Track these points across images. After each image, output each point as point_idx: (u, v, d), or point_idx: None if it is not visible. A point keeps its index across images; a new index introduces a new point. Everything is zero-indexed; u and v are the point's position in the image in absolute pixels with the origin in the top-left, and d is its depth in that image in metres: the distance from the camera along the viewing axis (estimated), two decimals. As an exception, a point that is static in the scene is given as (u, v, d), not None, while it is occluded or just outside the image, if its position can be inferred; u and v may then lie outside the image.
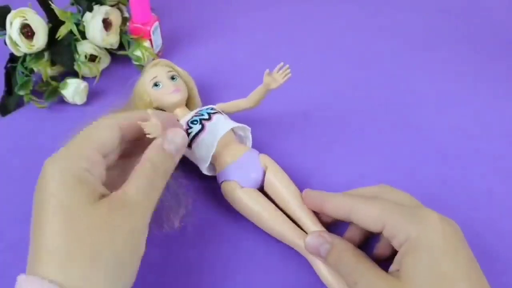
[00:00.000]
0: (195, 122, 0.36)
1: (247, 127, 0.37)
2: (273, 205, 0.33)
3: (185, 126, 0.36)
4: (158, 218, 0.32)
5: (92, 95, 0.48)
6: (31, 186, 0.38)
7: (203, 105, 0.41)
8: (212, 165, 0.36)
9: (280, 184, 0.34)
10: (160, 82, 0.39)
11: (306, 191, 0.32)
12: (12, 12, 0.44)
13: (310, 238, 0.28)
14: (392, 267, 0.26)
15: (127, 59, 0.52)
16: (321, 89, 0.50)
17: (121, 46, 0.52)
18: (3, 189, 0.38)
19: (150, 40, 0.51)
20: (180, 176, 0.35)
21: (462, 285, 0.22)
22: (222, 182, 0.35)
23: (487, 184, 0.39)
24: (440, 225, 0.24)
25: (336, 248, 0.27)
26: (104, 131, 0.26)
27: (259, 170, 0.34)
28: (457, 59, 0.55)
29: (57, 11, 0.46)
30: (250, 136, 0.38)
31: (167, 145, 0.27)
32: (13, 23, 0.44)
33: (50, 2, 0.46)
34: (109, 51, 0.52)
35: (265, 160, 0.35)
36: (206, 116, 0.36)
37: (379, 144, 0.43)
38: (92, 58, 0.50)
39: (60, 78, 0.48)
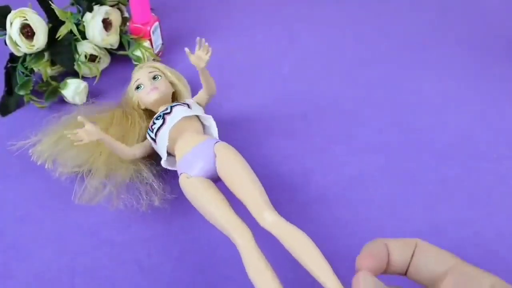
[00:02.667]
0: (159, 118, 0.37)
1: (207, 115, 0.37)
2: (221, 196, 0.31)
3: (150, 123, 0.38)
4: (137, 197, 0.35)
5: (92, 95, 0.48)
6: (31, 186, 0.39)
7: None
8: (173, 158, 0.37)
9: (230, 169, 0.32)
10: (141, 84, 0.40)
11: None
12: (12, 12, 0.44)
13: (363, 276, 0.23)
14: None
15: (127, 59, 0.52)
16: (321, 89, 0.50)
17: (121, 46, 0.52)
18: (3, 189, 0.38)
19: (150, 40, 0.51)
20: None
21: None
22: (180, 174, 0.34)
23: (487, 184, 0.39)
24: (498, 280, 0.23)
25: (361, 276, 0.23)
26: None
27: (209, 159, 0.33)
28: (457, 59, 0.55)
29: (57, 11, 0.46)
30: (213, 124, 0.38)
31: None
32: (13, 23, 0.44)
33: (50, 2, 0.46)
34: (109, 51, 0.52)
35: (218, 148, 0.34)
36: (168, 110, 0.37)
37: (379, 144, 0.43)
38: (92, 58, 0.50)
39: (60, 78, 0.48)
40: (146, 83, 0.40)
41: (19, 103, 0.46)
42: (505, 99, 0.49)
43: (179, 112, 0.37)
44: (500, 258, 0.34)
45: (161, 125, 0.36)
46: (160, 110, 0.39)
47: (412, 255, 0.24)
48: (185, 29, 0.60)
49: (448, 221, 0.36)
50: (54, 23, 0.47)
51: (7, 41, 0.44)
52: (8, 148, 0.40)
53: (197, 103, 0.40)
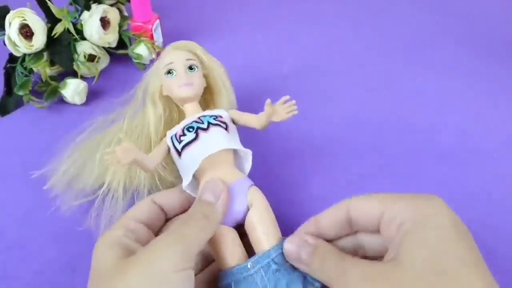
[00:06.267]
0: (191, 130, 0.31)
1: (248, 150, 0.31)
2: (244, 252, 0.28)
3: (179, 132, 0.31)
4: None
5: (92, 95, 0.48)
6: (31, 186, 0.38)
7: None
8: (197, 183, 0.31)
9: (261, 229, 0.28)
10: (174, 70, 0.33)
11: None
12: (11, 13, 0.44)
13: (289, 243, 0.26)
14: (386, 258, 0.24)
15: (126, 59, 0.52)
16: (321, 88, 0.50)
17: (120, 46, 0.51)
18: (3, 189, 0.38)
19: (152, 38, 0.51)
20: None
21: (473, 270, 0.20)
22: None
23: (487, 184, 0.39)
24: (446, 206, 0.24)
25: (320, 249, 0.25)
26: (137, 205, 0.29)
27: (242, 206, 0.29)
28: (458, 59, 0.55)
29: (53, 9, 0.46)
30: (250, 159, 0.32)
31: (201, 195, 0.27)
32: (12, 23, 0.44)
33: (47, 1, 0.46)
34: (108, 51, 0.52)
35: (253, 195, 0.29)
36: (205, 126, 0.31)
37: (379, 144, 0.43)
38: (91, 58, 0.50)
39: (60, 78, 0.48)
40: (180, 72, 0.33)
41: (18, 103, 0.46)
42: (505, 99, 0.49)
43: (217, 138, 0.30)
44: (500, 258, 0.34)
45: (192, 141, 0.30)
46: (189, 113, 0.33)
47: (349, 217, 0.26)
48: (185, 28, 0.60)
49: (448, 221, 0.36)
50: (53, 23, 0.46)
51: (6, 41, 0.44)
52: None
53: (233, 119, 0.34)
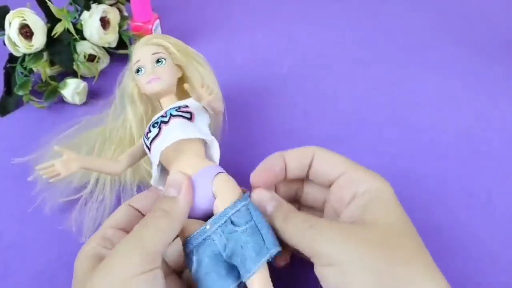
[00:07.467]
0: (155, 125, 0.30)
1: (212, 138, 0.30)
2: None
3: (146, 129, 0.31)
4: None
5: (92, 95, 0.48)
6: (31, 186, 0.38)
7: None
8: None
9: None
10: (142, 67, 0.32)
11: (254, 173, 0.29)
12: (11, 13, 0.44)
13: (257, 192, 0.27)
14: (343, 217, 0.26)
15: (126, 59, 0.51)
16: (321, 88, 0.50)
17: (120, 46, 0.51)
18: (2, 189, 0.38)
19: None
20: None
21: (414, 233, 0.25)
22: None
23: (487, 184, 0.39)
24: (386, 181, 0.27)
25: (285, 207, 0.26)
26: (115, 213, 0.29)
27: (207, 196, 0.27)
28: (457, 59, 0.55)
29: (53, 8, 0.46)
30: (216, 147, 0.30)
31: (166, 192, 0.27)
32: (12, 23, 0.44)
33: (47, 1, 0.46)
34: (109, 51, 0.52)
35: (217, 184, 0.27)
36: (167, 119, 0.30)
37: (379, 144, 0.43)
38: (91, 58, 0.50)
39: (60, 78, 0.48)
40: (148, 68, 0.32)
41: (18, 103, 0.46)
42: (505, 99, 0.49)
43: (174, 129, 0.29)
44: (500, 258, 0.34)
45: (156, 136, 0.30)
46: (165, 107, 0.32)
47: (311, 163, 0.28)
48: (185, 28, 0.60)
49: (448, 221, 0.36)
50: (53, 23, 0.46)
51: (6, 42, 0.44)
52: (8, 147, 0.40)
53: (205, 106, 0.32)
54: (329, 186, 0.28)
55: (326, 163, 0.28)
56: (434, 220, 0.36)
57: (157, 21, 0.51)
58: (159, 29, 0.52)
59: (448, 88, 0.50)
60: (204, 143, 0.31)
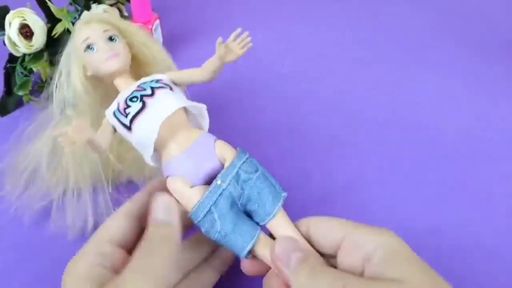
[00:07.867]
0: (135, 99, 0.28)
1: (202, 105, 0.29)
2: None
3: (122, 105, 0.28)
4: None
5: (92, 95, 0.48)
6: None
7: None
8: (158, 153, 0.29)
9: None
10: (94, 45, 0.30)
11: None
12: (11, 13, 0.44)
13: (281, 244, 0.24)
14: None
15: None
16: (321, 88, 0.50)
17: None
18: (3, 189, 0.38)
19: (150, 39, 0.51)
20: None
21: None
22: (167, 177, 0.27)
23: (487, 184, 0.39)
24: (390, 231, 0.24)
25: (312, 259, 0.23)
26: (109, 223, 0.27)
27: (213, 161, 0.27)
28: (458, 59, 0.55)
29: (53, 8, 0.46)
30: (206, 114, 0.30)
31: (154, 215, 0.25)
32: (12, 23, 0.44)
33: (47, 1, 0.46)
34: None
35: (222, 149, 0.27)
36: (149, 92, 0.28)
37: (379, 144, 0.43)
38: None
39: (60, 78, 0.48)
40: (101, 45, 0.30)
41: (18, 103, 0.46)
42: (505, 99, 0.49)
43: (167, 100, 0.28)
44: (500, 258, 0.34)
45: (140, 110, 0.27)
46: (123, 87, 0.30)
47: (308, 234, 0.26)
48: (185, 28, 0.60)
49: (448, 221, 0.36)
50: (53, 23, 0.46)
51: (6, 42, 0.44)
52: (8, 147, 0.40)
53: (173, 81, 0.31)
54: (335, 254, 0.25)
55: (324, 232, 0.25)
56: (434, 220, 0.36)
57: (157, 21, 0.51)
58: (159, 29, 0.52)
59: (448, 88, 0.50)
60: (187, 114, 0.30)
